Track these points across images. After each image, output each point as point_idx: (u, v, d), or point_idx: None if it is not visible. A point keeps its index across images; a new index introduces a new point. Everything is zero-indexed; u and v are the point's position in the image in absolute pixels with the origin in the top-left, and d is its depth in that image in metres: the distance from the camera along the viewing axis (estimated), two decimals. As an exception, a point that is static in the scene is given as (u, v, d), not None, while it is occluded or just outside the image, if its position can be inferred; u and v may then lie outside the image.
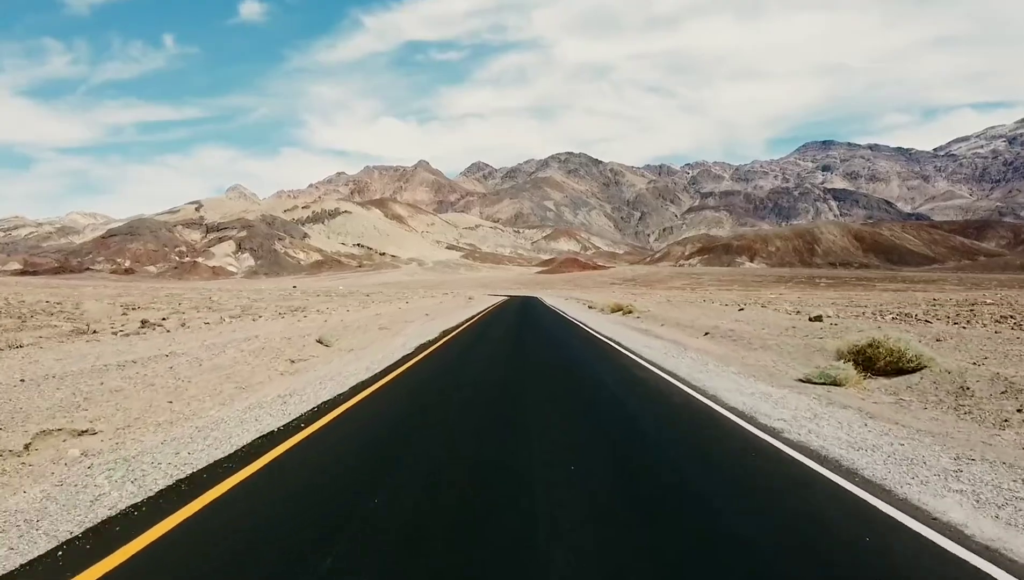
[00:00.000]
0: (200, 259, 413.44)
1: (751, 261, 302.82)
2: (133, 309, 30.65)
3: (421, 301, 43.15)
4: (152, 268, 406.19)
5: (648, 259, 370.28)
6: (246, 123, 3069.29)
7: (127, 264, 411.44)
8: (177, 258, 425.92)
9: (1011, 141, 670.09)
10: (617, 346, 12.40)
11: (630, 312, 22.95)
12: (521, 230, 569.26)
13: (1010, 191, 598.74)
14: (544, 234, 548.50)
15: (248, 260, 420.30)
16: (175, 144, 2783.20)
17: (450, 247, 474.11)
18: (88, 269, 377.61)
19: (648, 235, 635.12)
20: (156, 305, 35.37)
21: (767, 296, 63.74)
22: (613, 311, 24.71)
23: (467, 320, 21.73)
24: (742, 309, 20.75)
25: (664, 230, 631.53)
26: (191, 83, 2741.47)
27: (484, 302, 44.23)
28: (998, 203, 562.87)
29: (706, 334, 13.51)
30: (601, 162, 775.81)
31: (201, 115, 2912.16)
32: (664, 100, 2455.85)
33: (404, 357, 10.48)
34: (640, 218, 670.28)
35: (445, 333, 15.50)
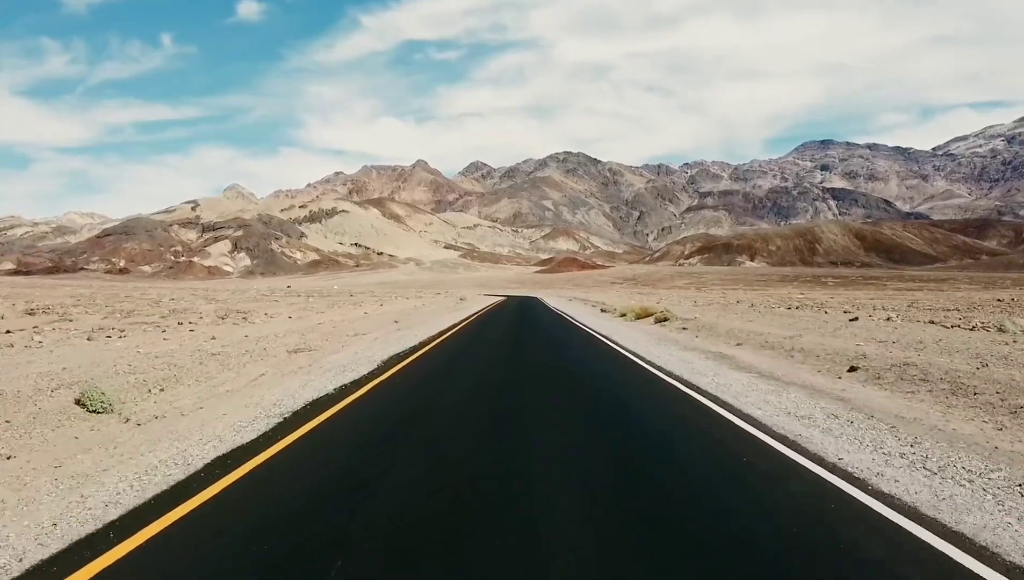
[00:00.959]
0: (196, 259, 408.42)
1: (751, 260, 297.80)
2: (35, 313, 24.62)
3: (402, 303, 37.00)
4: (147, 268, 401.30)
5: (647, 258, 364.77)
6: (245, 123, 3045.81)
7: (122, 264, 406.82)
8: (172, 258, 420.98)
9: (1010, 140, 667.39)
10: (716, 407, 6.07)
11: (665, 319, 16.68)
12: (519, 230, 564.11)
13: (1009, 190, 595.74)
14: (543, 234, 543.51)
15: (244, 260, 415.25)
16: (174, 144, 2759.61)
17: (448, 246, 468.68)
18: (82, 269, 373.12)
19: (647, 235, 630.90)
20: (84, 305, 29.28)
21: (791, 296, 57.86)
22: (640, 317, 18.40)
23: (444, 331, 15.64)
24: (855, 319, 13.94)
25: (663, 230, 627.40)
26: (189, 83, 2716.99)
27: (476, 304, 37.89)
28: (997, 202, 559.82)
29: (852, 370, 7.35)
30: (600, 162, 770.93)
31: (199, 115, 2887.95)
32: (663, 100, 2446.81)
33: (215, 463, 4.38)
34: (639, 218, 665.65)
35: (394, 361, 9.48)
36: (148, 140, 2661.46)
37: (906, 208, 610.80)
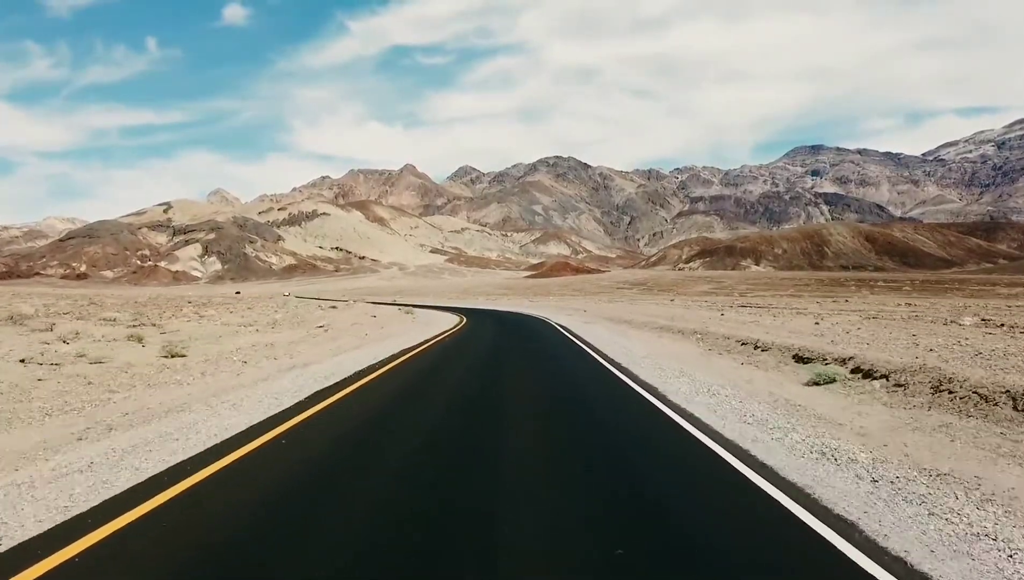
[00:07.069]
0: (163, 263, 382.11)
1: (756, 264, 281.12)
2: None
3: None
4: (109, 273, 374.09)
5: (644, 263, 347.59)
6: (232, 126, 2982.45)
7: (82, 268, 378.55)
8: (138, 262, 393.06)
9: (999, 146, 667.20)
10: None
11: None
12: (509, 234, 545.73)
13: (1000, 195, 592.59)
14: (533, 238, 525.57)
15: (215, 264, 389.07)
16: (159, 148, 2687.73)
17: (434, 251, 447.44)
18: (38, 274, 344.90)
19: (638, 240, 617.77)
20: None
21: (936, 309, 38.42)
22: None
23: None
24: None
25: (654, 235, 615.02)
26: (175, 87, 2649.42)
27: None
28: (989, 207, 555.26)
29: None
30: (590, 166, 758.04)
31: (185, 119, 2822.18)
32: (652, 103, 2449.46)
33: None
34: (630, 222, 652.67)
35: None
36: (133, 145, 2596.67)
37: (898, 213, 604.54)
